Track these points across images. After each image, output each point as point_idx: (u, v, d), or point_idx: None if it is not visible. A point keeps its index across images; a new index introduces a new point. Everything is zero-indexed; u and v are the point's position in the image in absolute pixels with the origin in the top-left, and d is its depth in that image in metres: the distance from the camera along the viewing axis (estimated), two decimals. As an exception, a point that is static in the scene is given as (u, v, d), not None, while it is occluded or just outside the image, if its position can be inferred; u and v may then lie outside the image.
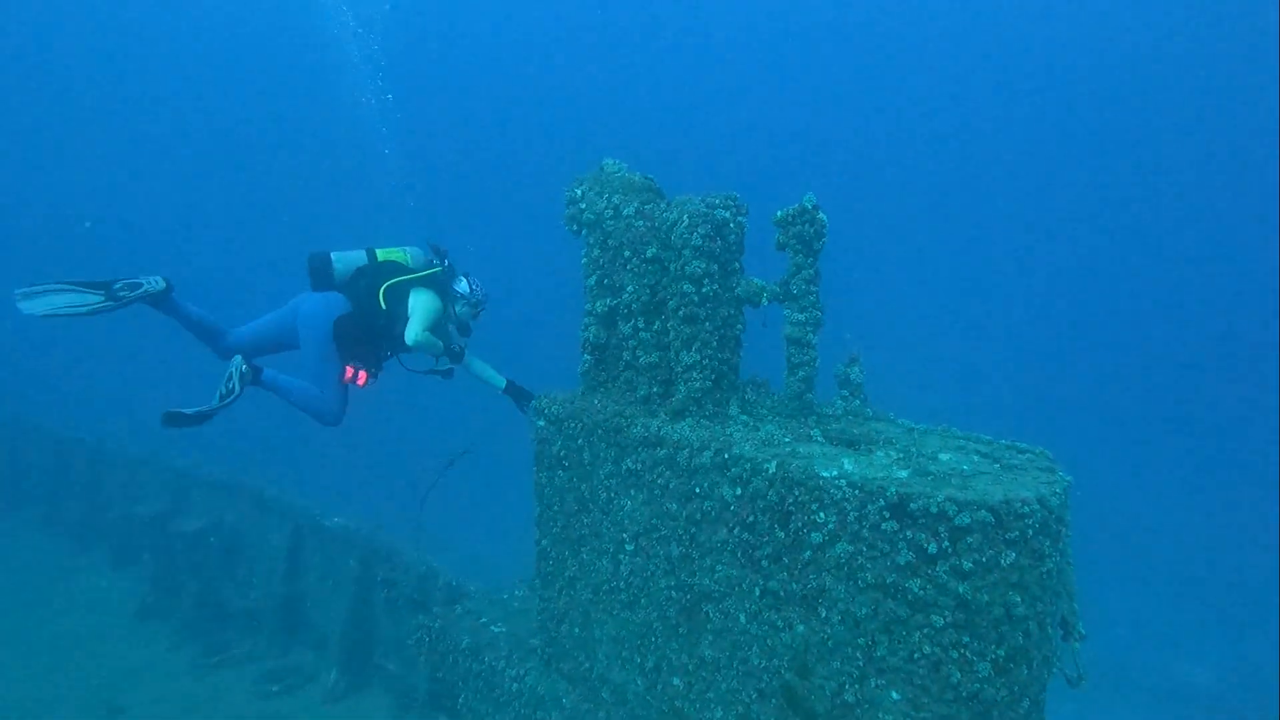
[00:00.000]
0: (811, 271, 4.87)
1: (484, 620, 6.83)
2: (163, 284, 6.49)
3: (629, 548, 5.23)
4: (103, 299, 6.26)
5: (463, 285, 7.36)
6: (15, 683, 10.10)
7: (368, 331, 6.98)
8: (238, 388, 6.41)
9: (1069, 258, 41.64)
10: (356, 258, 7.19)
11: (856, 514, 4.09)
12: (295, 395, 6.82)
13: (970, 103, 44.82)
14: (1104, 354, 36.62)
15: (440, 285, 7.19)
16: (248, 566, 11.82)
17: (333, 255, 7.13)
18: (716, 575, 4.77)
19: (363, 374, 7.03)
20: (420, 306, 6.95)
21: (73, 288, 6.23)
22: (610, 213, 5.39)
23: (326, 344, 6.91)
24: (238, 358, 6.53)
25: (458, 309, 7.35)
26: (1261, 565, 19.11)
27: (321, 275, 7.09)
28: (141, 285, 6.40)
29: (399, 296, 6.99)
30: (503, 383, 7.48)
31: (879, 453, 4.52)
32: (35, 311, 6.11)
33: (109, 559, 13.80)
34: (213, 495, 12.61)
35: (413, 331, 6.82)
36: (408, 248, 7.38)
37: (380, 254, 7.22)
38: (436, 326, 7.06)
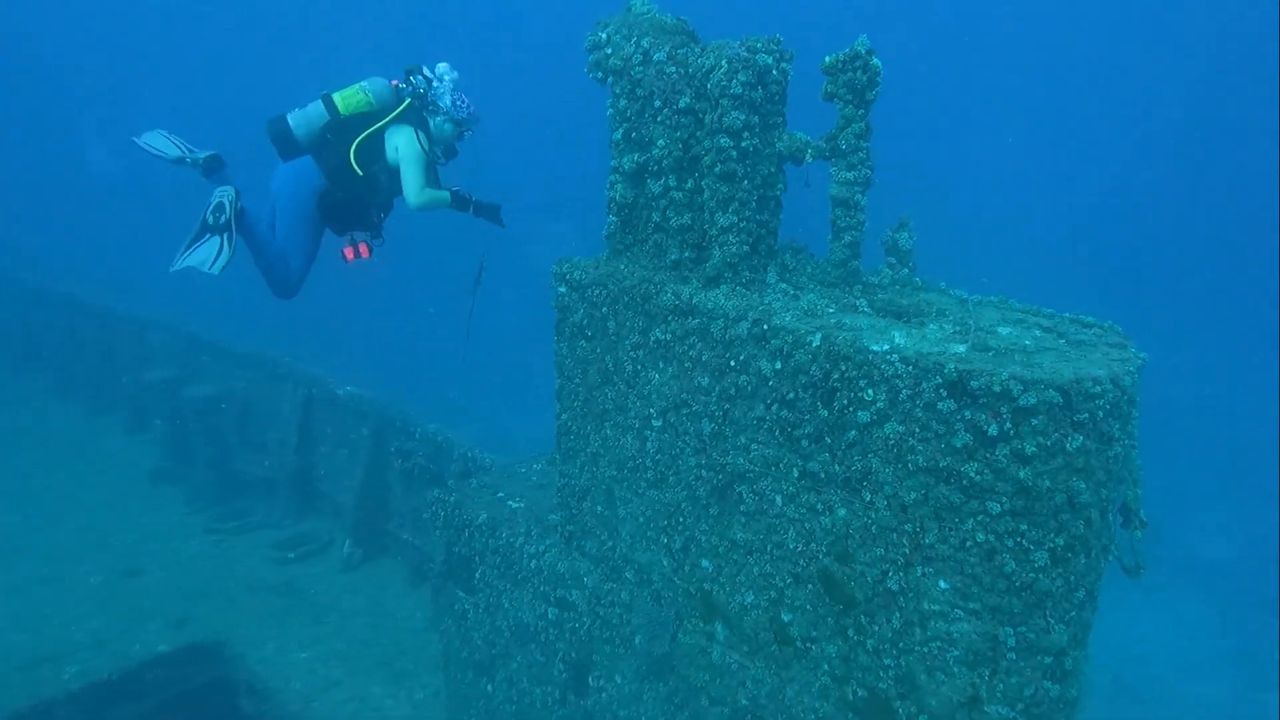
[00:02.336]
0: (862, 125, 4.39)
1: (501, 495, 6.60)
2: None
3: (656, 423, 4.92)
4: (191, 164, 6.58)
5: (445, 99, 6.66)
6: (37, 545, 10.12)
7: (352, 204, 6.52)
8: (233, 220, 6.00)
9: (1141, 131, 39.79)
10: (316, 113, 6.51)
11: (909, 392, 3.74)
12: (265, 253, 6.40)
13: None
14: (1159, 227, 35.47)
15: (415, 118, 6.57)
16: (260, 434, 11.71)
17: (289, 118, 6.50)
18: (751, 454, 4.46)
19: (363, 246, 6.64)
20: (406, 158, 6.41)
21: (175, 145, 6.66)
22: (639, 58, 4.86)
23: (302, 217, 6.48)
24: (228, 186, 6.14)
25: (440, 127, 6.69)
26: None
27: (285, 143, 6.50)
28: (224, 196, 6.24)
29: (373, 153, 6.45)
30: (449, 200, 6.80)
31: (931, 325, 4.14)
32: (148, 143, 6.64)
33: (123, 424, 13.74)
34: (223, 361, 12.42)
35: (411, 194, 6.35)
36: (367, 83, 6.61)
37: (339, 101, 6.48)
38: (426, 169, 6.52)
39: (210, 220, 5.97)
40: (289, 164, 6.56)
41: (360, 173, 6.39)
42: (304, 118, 6.49)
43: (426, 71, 6.69)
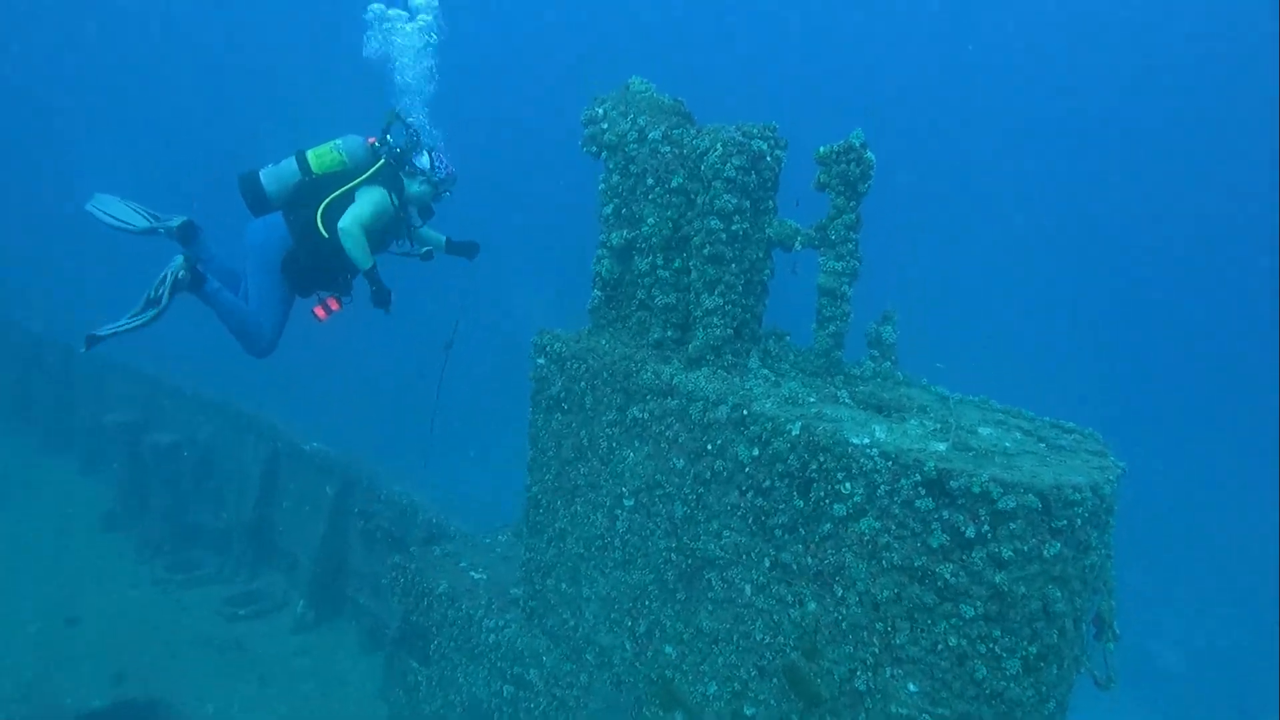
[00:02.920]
0: (853, 217, 4.41)
1: (464, 565, 6.45)
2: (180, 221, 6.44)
3: (628, 503, 4.83)
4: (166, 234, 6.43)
5: (423, 160, 6.47)
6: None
7: (318, 265, 6.26)
8: (167, 298, 5.77)
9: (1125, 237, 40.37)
10: (289, 171, 6.31)
11: (888, 488, 3.70)
12: (233, 317, 6.15)
13: (1045, 58, 42.84)
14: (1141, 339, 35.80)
15: (389, 179, 6.34)
16: (220, 484, 11.44)
17: (261, 174, 6.31)
18: (723, 541, 4.38)
19: (332, 301, 6.41)
20: (362, 201, 6.18)
21: (140, 214, 6.47)
22: (634, 136, 4.89)
23: (273, 276, 6.24)
24: (179, 257, 5.91)
25: (415, 188, 6.49)
26: (1233, 545, 19.05)
27: (255, 199, 6.31)
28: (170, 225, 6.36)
29: (341, 213, 6.16)
30: (442, 240, 6.77)
31: (912, 421, 4.12)
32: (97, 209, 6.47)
33: (78, 463, 13.41)
34: (185, 407, 12.17)
35: (346, 217, 6.06)
36: (342, 141, 6.39)
37: (313, 159, 6.29)
38: (380, 221, 6.27)
39: (152, 294, 5.81)
40: (260, 220, 6.33)
41: (326, 234, 6.14)
42: (276, 174, 6.31)
43: (407, 119, 6.55)
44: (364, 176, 6.28)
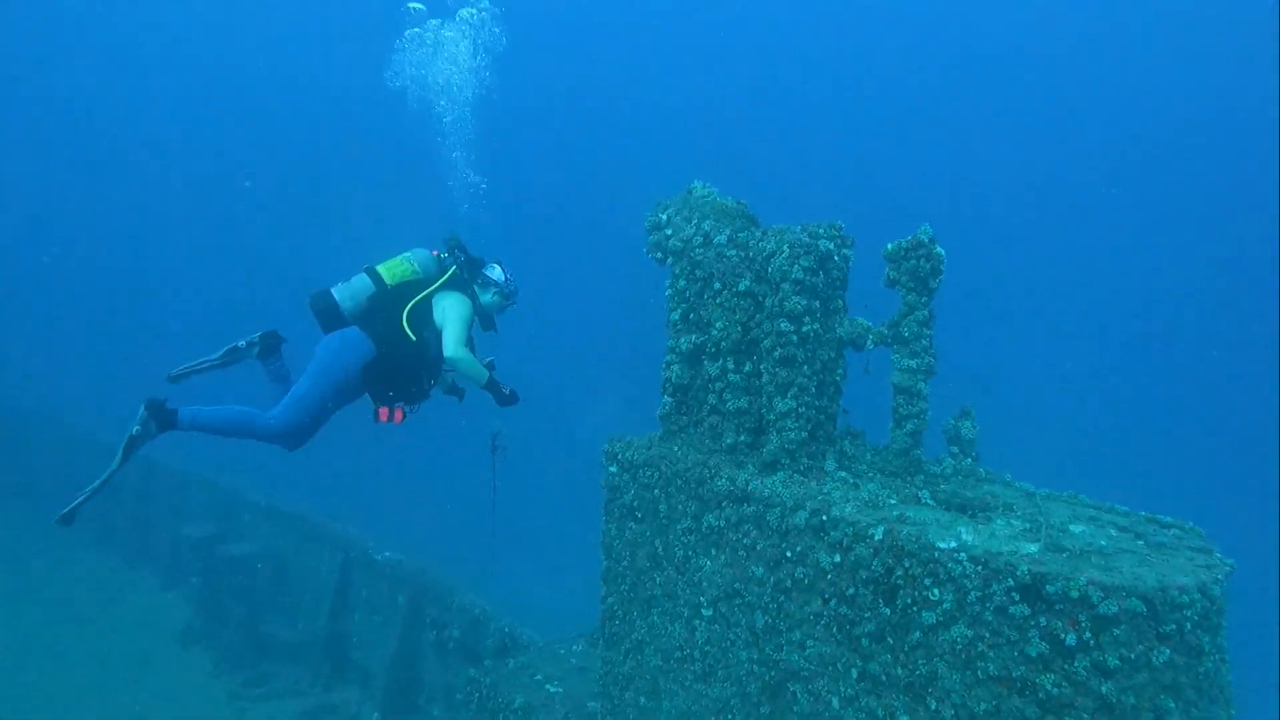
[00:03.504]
0: (925, 313, 4.34)
1: (539, 678, 6.32)
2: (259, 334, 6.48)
3: (706, 613, 4.70)
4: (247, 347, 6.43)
5: (495, 272, 6.61)
6: (55, 701, 9.84)
7: (404, 370, 6.30)
8: (119, 456, 5.72)
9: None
10: (362, 286, 6.38)
11: (979, 593, 3.54)
12: (230, 425, 6.02)
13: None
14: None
15: (463, 284, 6.46)
16: (294, 596, 11.48)
17: (334, 291, 6.35)
18: (807, 652, 4.22)
19: (399, 412, 6.38)
20: (451, 314, 6.22)
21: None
22: (699, 240, 4.90)
23: (337, 384, 6.16)
24: (140, 408, 5.80)
25: (487, 298, 6.59)
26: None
27: (329, 317, 6.32)
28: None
29: (423, 317, 6.28)
30: (485, 376, 6.49)
31: (999, 521, 3.96)
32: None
33: (158, 578, 13.59)
34: (261, 519, 12.32)
35: (449, 343, 6.10)
36: (410, 254, 6.52)
37: (384, 272, 6.39)
38: (469, 328, 6.37)
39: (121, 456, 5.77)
40: (335, 334, 6.29)
41: (414, 337, 6.21)
42: (349, 290, 6.36)
43: (464, 249, 6.66)
44: (440, 281, 6.38)
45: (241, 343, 6.39)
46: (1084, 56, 41.55)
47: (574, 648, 6.85)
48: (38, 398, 19.66)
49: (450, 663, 9.10)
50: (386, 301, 6.37)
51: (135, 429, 5.70)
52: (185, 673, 10.86)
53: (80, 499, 5.73)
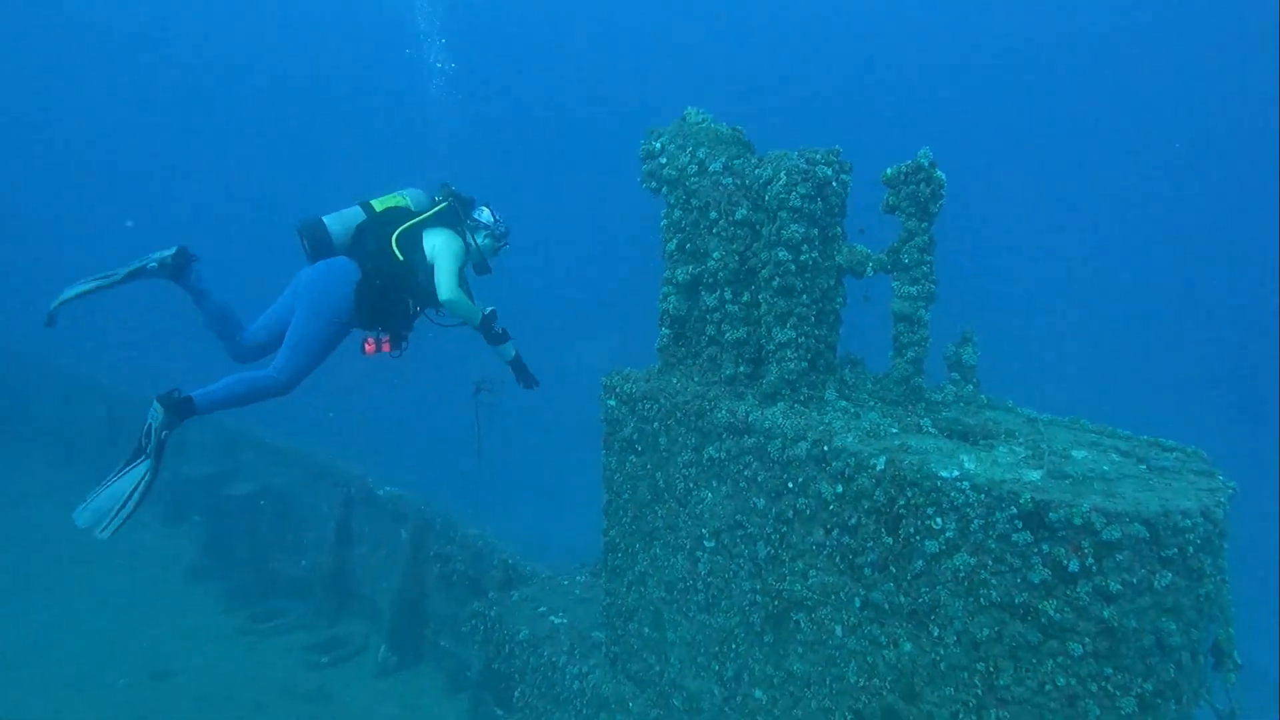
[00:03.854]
0: (926, 238, 4.27)
1: (543, 609, 6.38)
2: (173, 251, 5.89)
3: (709, 544, 4.71)
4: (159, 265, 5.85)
5: (484, 215, 6.50)
6: (64, 643, 9.97)
7: (391, 291, 6.13)
8: (152, 450, 5.43)
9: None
10: (353, 215, 6.24)
11: (981, 522, 3.53)
12: (242, 394, 5.82)
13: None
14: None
15: (454, 220, 6.35)
16: (298, 533, 11.56)
17: (326, 220, 6.17)
18: (810, 581, 4.24)
19: (385, 343, 6.24)
20: (442, 251, 6.09)
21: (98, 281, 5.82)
22: (694, 168, 4.80)
23: (322, 317, 5.94)
24: (154, 405, 5.52)
25: (479, 240, 6.47)
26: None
27: (319, 244, 6.12)
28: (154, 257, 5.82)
29: (413, 243, 6.13)
30: (512, 353, 6.53)
31: (1001, 448, 3.94)
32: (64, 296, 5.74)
33: (160, 516, 13.66)
34: (263, 458, 12.35)
35: (443, 287, 5.99)
36: (405, 191, 6.41)
37: (377, 205, 6.27)
38: (462, 268, 6.26)
39: (142, 445, 5.47)
40: (321, 262, 6.14)
41: (401, 258, 6.09)
42: (339, 218, 6.20)
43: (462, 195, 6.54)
44: (430, 212, 6.28)
45: (152, 262, 5.86)
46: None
47: (577, 579, 6.91)
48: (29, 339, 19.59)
49: (456, 594, 9.18)
50: (375, 227, 6.24)
51: (161, 431, 5.47)
52: (194, 609, 10.98)
53: (123, 512, 5.35)
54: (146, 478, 5.40)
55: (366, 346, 6.23)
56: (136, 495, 5.34)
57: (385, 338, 6.27)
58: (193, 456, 13.37)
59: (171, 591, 11.46)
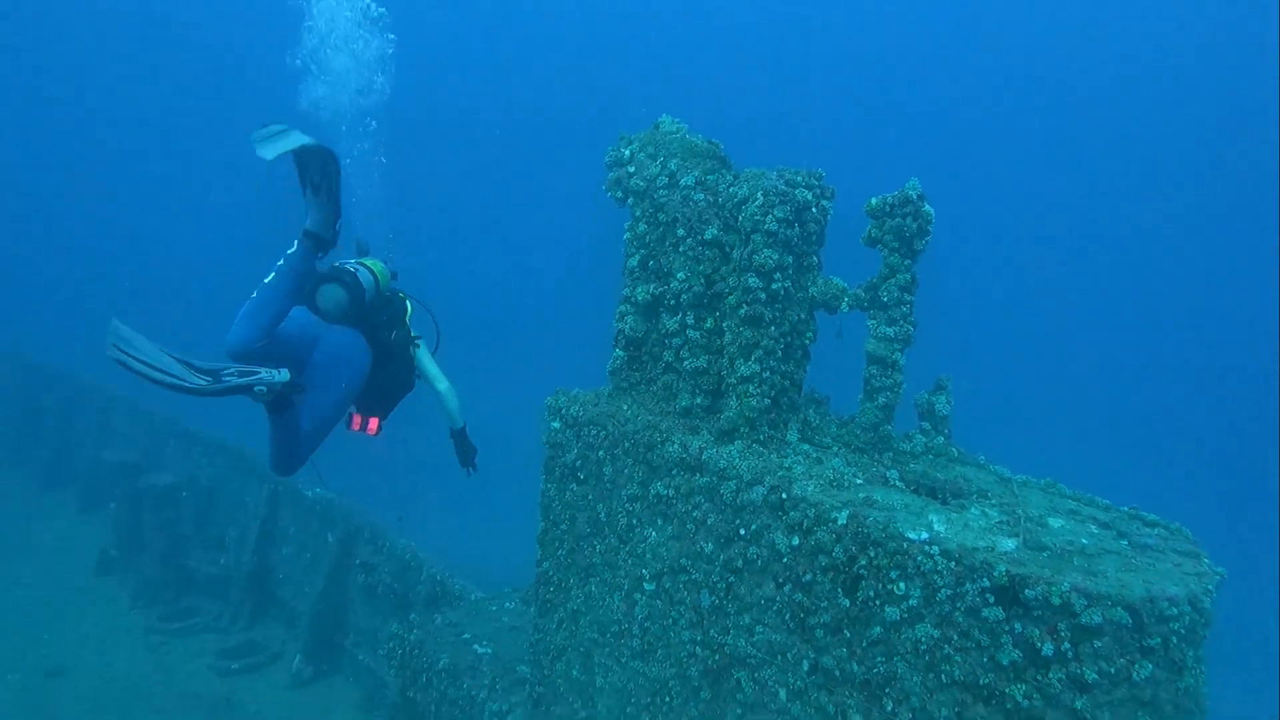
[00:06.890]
0: (908, 277, 3.96)
1: (467, 636, 5.97)
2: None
3: (648, 587, 4.34)
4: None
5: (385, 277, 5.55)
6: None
7: (398, 382, 5.44)
8: (233, 387, 4.10)
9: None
10: (368, 282, 5.19)
11: (949, 592, 3.21)
12: (291, 440, 4.73)
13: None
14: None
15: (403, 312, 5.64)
16: (219, 529, 11.02)
17: (362, 279, 5.11)
18: (755, 638, 3.89)
19: (373, 422, 5.42)
20: (423, 355, 5.59)
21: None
22: (664, 181, 4.46)
23: (351, 394, 5.07)
24: (282, 372, 4.31)
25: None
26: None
27: (356, 304, 5.05)
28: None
29: (407, 332, 5.47)
30: (460, 423, 5.86)
31: (973, 509, 3.63)
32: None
33: (76, 502, 13.04)
34: (189, 448, 11.79)
35: (443, 378, 5.54)
36: (383, 264, 5.49)
37: (378, 272, 5.33)
38: None
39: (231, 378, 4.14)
40: (348, 330, 5.07)
41: (410, 352, 5.45)
42: (366, 278, 5.18)
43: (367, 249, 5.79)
44: (410, 312, 5.60)
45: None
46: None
47: (506, 605, 6.51)
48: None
49: (379, 607, 8.75)
50: (383, 304, 5.39)
51: (259, 388, 4.31)
52: (100, 604, 10.43)
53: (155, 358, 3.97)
54: (181, 383, 4.04)
55: (354, 420, 5.41)
56: (163, 375, 3.99)
57: (372, 418, 5.47)
58: (115, 441, 12.79)
59: (79, 584, 10.89)
